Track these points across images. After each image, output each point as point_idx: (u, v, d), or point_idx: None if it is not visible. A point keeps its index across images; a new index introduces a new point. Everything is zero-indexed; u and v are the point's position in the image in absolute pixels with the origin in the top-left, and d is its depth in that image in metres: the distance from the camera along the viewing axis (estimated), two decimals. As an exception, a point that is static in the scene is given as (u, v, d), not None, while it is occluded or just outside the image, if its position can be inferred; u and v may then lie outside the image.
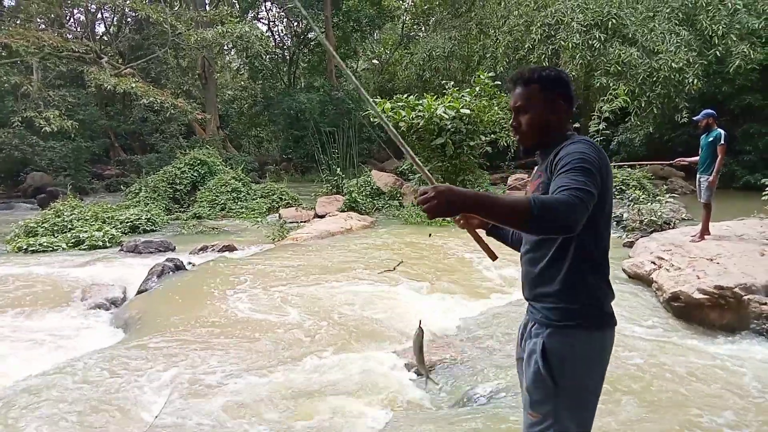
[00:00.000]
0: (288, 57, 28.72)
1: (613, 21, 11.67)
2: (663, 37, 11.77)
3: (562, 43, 11.73)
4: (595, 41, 11.66)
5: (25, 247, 8.69)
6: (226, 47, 24.87)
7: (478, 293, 5.64)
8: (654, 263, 5.67)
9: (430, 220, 1.46)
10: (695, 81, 11.72)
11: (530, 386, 1.67)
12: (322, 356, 4.05)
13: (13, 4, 20.26)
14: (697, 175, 6.44)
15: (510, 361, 3.40)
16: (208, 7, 20.66)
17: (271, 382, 3.60)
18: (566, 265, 1.65)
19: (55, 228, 9.56)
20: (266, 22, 29.78)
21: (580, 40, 11.60)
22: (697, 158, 6.54)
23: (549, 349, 1.63)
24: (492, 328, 4.55)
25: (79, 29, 21.57)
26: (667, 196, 9.32)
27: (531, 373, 1.66)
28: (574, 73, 12.27)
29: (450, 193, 1.35)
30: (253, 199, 13.33)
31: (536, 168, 1.85)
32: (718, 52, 12.01)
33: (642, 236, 7.68)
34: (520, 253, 1.85)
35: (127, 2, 16.85)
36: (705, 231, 6.22)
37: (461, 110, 10.29)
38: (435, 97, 10.89)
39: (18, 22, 16.94)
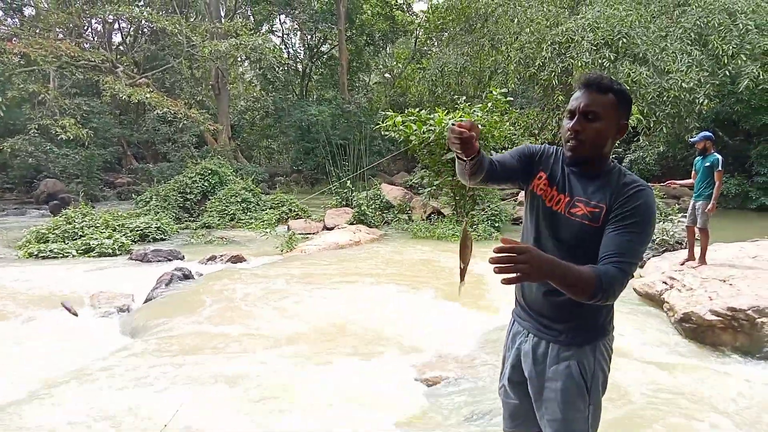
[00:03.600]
0: (301, 69, 28.99)
1: (624, 40, 11.66)
2: (674, 57, 11.75)
3: (572, 61, 11.75)
4: (604, 60, 11.66)
5: (36, 252, 8.76)
6: (239, 59, 25.16)
7: (490, 308, 5.59)
8: (665, 283, 5.61)
9: (508, 284, 1.35)
10: (706, 102, 11.66)
11: (563, 408, 1.69)
12: (331, 366, 4.02)
13: (33, 13, 20.65)
14: (692, 200, 6.24)
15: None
16: (223, 20, 20.92)
17: (278, 390, 3.58)
18: None
19: (66, 235, 9.64)
20: (280, 34, 30.14)
21: (590, 59, 11.61)
22: (689, 181, 6.40)
23: (587, 369, 1.69)
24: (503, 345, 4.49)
25: (96, 39, 21.90)
26: (680, 215, 9.23)
27: (565, 396, 1.69)
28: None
29: (540, 260, 1.36)
30: (263, 210, 13.38)
31: (557, 180, 1.74)
32: (728, 72, 11.97)
33: (653, 256, 7.60)
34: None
35: (144, 14, 17.13)
36: (703, 257, 6.05)
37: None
38: (446, 111, 10.92)
39: (38, 31, 17.22)
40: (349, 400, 3.51)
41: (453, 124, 1.57)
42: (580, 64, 11.67)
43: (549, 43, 12.31)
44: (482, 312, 5.52)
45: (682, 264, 6.18)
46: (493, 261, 1.33)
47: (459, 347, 4.52)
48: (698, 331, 4.59)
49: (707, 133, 6.19)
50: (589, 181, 1.69)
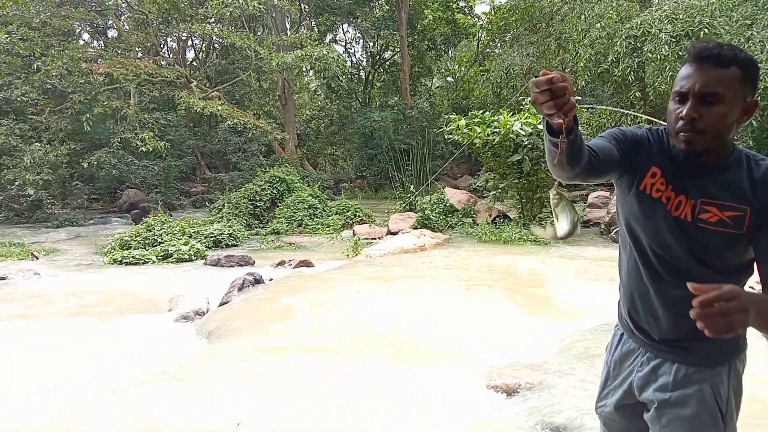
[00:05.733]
0: (363, 77, 29.36)
1: (706, 31, 10.99)
2: (762, 46, 10.94)
3: (650, 55, 11.20)
4: (685, 52, 11.04)
5: (119, 259, 9.30)
6: (305, 69, 25.81)
7: (561, 313, 5.40)
8: (752, 288, 5.19)
9: (717, 335, 1.03)
10: (800, 92, 10.76)
11: None
12: (397, 371, 3.99)
13: (115, 35, 22.10)
14: None
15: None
16: (289, 32, 21.55)
17: (343, 398, 3.59)
18: None
19: (147, 242, 10.18)
20: (343, 43, 30.69)
21: (669, 52, 11.02)
22: None
23: (722, 394, 1.43)
24: (576, 353, 4.32)
25: (171, 56, 23.14)
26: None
27: (695, 424, 1.41)
28: (662, 87, 11.66)
29: (753, 302, 1.06)
30: (329, 216, 13.60)
31: (673, 179, 1.42)
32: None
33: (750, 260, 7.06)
34: (659, 292, 1.48)
35: (215, 30, 17.92)
36: None
37: (538, 126, 10.03)
38: (511, 113, 10.69)
39: (119, 51, 18.41)
40: (416, 407, 3.47)
41: (541, 74, 1.22)
42: (658, 58, 11.11)
43: (623, 37, 11.79)
44: (552, 317, 5.33)
45: None
46: (698, 316, 1.04)
47: (530, 353, 4.37)
48: (797, 341, 4.21)
49: None
50: (713, 176, 1.38)
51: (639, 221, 1.48)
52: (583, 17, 14.09)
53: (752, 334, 1.31)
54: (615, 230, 10.11)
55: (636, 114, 11.63)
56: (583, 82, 13.63)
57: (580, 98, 11.29)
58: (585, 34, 13.55)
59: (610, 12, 13.16)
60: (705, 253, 1.40)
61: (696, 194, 1.38)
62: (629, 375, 1.58)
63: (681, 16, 11.25)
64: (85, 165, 16.32)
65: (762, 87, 10.59)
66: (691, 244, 1.40)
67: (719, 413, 1.41)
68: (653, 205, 1.44)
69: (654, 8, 11.94)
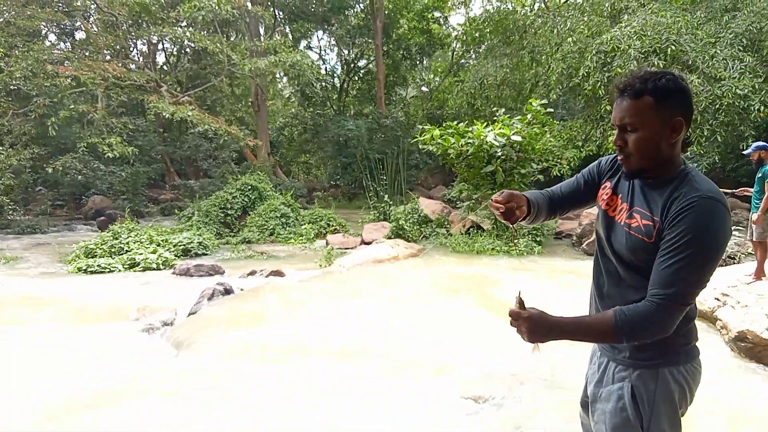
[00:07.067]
0: (338, 85, 29.30)
1: (672, 48, 11.30)
2: (725, 64, 11.30)
3: (619, 70, 11.44)
4: (653, 68, 11.31)
5: (84, 267, 9.00)
6: (278, 76, 25.62)
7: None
8: (718, 299, 5.31)
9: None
10: (762, 108, 11.14)
11: None
12: (367, 382, 3.92)
13: (83, 37, 21.57)
14: (750, 212, 6.07)
15: (571, 396, 3.18)
16: (262, 38, 21.37)
17: (312, 412, 3.49)
18: None
19: (113, 250, 9.88)
20: (318, 51, 30.60)
21: (637, 67, 11.28)
22: None
23: (644, 397, 1.51)
24: (548, 363, 4.30)
25: (141, 60, 22.67)
26: (732, 229, 8.80)
27: (613, 421, 1.55)
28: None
29: (535, 323, 1.46)
30: (302, 225, 13.45)
31: (622, 189, 1.63)
32: (785, 78, 11.40)
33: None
34: (593, 284, 1.73)
35: (187, 34, 17.63)
36: (760, 271, 5.74)
37: (512, 137, 10.13)
38: (485, 124, 10.77)
39: (87, 54, 17.93)
40: (387, 417, 3.40)
41: (491, 199, 1.66)
42: (627, 72, 11.37)
43: (594, 52, 12.03)
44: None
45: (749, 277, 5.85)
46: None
47: (504, 365, 4.34)
48: (754, 350, 4.31)
49: (761, 143, 5.89)
50: (653, 190, 1.52)
51: (596, 224, 1.74)
52: (555, 31, 14.36)
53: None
54: (586, 242, 10.25)
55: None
56: (555, 96, 13.85)
57: (552, 110, 11.43)
58: (557, 48, 13.80)
59: (582, 27, 13.43)
60: (625, 252, 1.54)
61: (632, 203, 1.57)
62: (589, 370, 1.78)
63: (649, 33, 11.54)
64: (50, 170, 15.78)
65: (726, 103, 10.94)
66: (616, 244, 1.58)
67: (637, 414, 1.51)
68: (600, 211, 1.69)
69: (623, 25, 12.21)
